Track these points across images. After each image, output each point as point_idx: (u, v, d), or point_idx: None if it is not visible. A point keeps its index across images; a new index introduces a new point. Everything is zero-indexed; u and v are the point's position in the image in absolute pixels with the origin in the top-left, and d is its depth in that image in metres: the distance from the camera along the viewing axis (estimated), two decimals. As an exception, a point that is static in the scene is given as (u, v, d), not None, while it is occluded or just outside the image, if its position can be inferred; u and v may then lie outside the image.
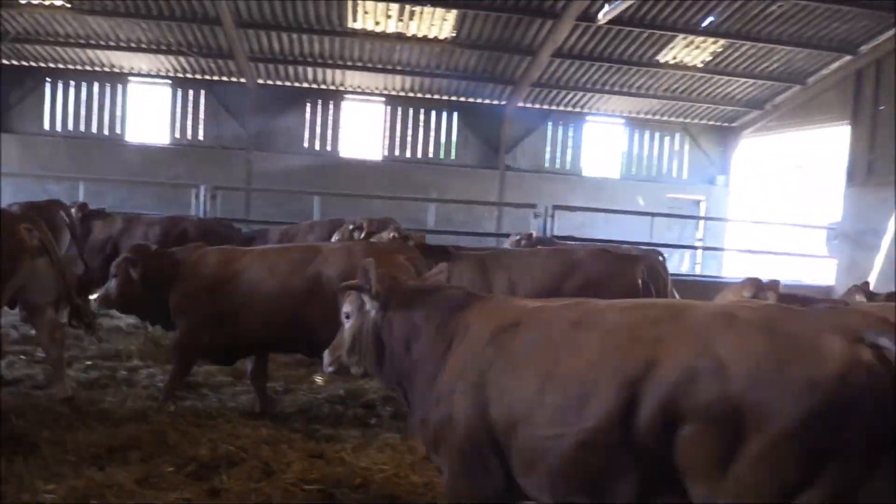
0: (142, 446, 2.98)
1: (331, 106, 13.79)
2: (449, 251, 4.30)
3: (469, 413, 1.84)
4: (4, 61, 12.75)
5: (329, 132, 13.84)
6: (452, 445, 1.90)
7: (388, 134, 13.97)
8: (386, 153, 14.07)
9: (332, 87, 13.74)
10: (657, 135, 14.68)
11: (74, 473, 2.71)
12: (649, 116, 14.44)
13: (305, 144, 13.85)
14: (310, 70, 13.04)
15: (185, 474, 2.78)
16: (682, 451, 1.51)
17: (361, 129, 14.01)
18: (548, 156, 14.46)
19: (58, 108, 13.41)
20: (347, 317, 2.37)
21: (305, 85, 13.59)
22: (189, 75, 13.31)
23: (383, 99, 13.91)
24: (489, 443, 1.81)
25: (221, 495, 2.64)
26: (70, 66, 13.23)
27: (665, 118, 14.44)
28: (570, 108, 14.26)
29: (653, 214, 10.94)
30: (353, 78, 13.37)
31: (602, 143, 14.68)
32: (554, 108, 14.13)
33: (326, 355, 2.44)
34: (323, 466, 2.94)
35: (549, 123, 14.32)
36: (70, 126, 13.45)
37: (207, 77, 13.34)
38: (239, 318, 3.58)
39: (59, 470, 2.74)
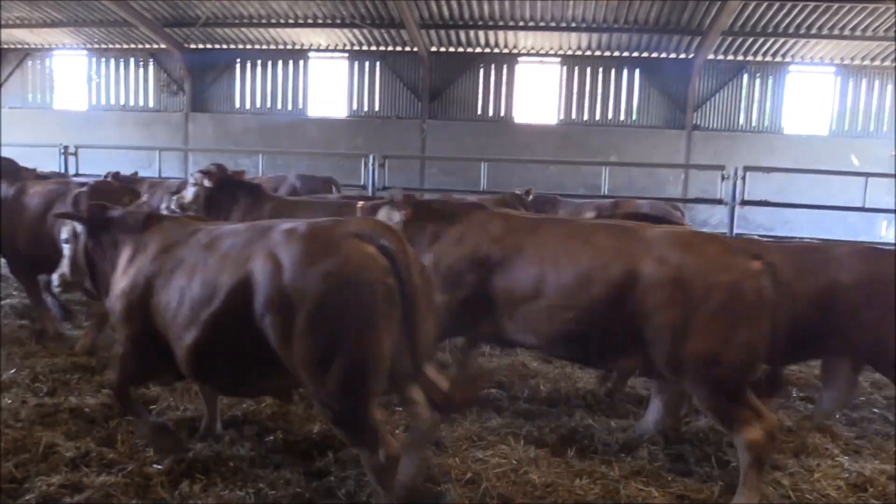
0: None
1: (504, 70, 16.20)
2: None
3: (137, 310, 3.00)
4: (199, 45, 16.82)
5: (503, 97, 16.27)
6: (125, 333, 3.10)
7: (563, 96, 16.08)
8: (562, 116, 16.19)
9: (505, 51, 16.10)
10: (876, 83, 15.15)
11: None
12: (866, 63, 14.94)
13: (479, 111, 16.38)
14: (481, 34, 15.42)
15: (296, 453, 3.30)
16: (270, 334, 2.58)
17: (536, 92, 16.25)
18: (742, 113, 15.64)
19: (247, 87, 17.29)
20: (66, 242, 3.45)
21: (478, 50, 16.10)
22: (364, 48, 16.43)
23: (558, 60, 16.02)
24: (149, 332, 2.99)
25: (332, 479, 3.03)
26: (256, 46, 16.98)
27: (886, 63, 14.81)
28: (768, 58, 15.25)
29: (868, 175, 10.60)
30: (527, 39, 15.57)
31: (807, 96, 15.53)
32: (749, 58, 15.22)
33: (54, 277, 3.52)
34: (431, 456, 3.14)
35: (745, 76, 15.47)
36: (258, 104, 17.29)
37: (381, 48, 16.37)
38: None
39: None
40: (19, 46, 17.85)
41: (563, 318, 3.17)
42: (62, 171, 12.61)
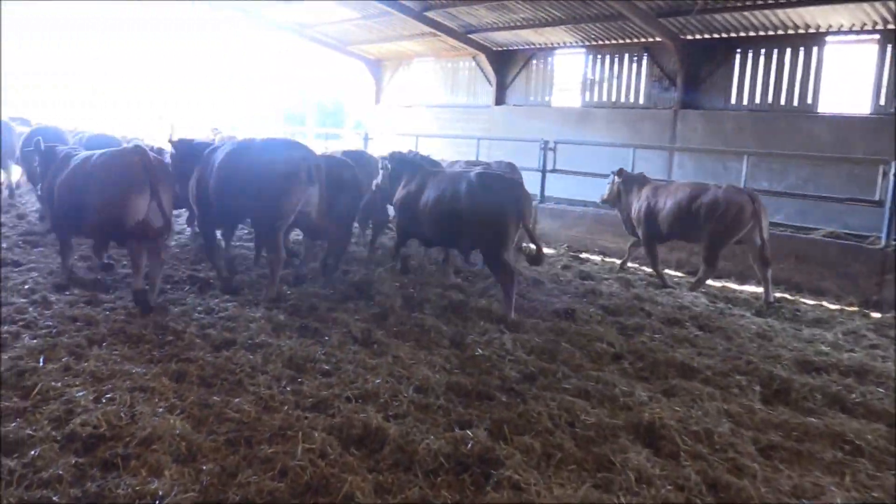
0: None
1: None
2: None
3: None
4: (696, 36, 17.70)
5: None
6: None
7: None
8: None
9: None
10: None
11: None
12: None
13: None
14: None
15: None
16: None
17: None
18: None
19: (745, 80, 17.54)
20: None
21: None
22: (903, 25, 14.92)
23: None
24: None
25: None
26: (760, 33, 17.05)
27: None
28: None
29: None
30: None
31: None
32: None
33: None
34: None
35: None
36: (757, 99, 17.38)
37: (929, 24, 14.61)
38: None
39: None
40: (525, 47, 21.69)
41: None
42: (541, 166, 15.16)
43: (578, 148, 18.32)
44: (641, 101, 19.33)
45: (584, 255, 13.02)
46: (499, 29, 20.78)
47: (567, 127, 20.15)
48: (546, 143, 15.18)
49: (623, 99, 19.71)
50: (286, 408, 4.81)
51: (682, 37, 17.83)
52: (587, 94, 20.56)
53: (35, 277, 7.77)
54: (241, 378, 5.26)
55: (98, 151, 7.21)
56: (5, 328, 6.02)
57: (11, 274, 7.89)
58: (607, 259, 12.79)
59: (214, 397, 4.86)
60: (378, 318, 7.10)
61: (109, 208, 6.67)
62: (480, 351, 6.24)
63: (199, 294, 7.67)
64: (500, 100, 22.65)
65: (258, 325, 6.52)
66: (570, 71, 21.41)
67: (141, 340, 6.00)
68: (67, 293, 7.32)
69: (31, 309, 6.59)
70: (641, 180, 10.71)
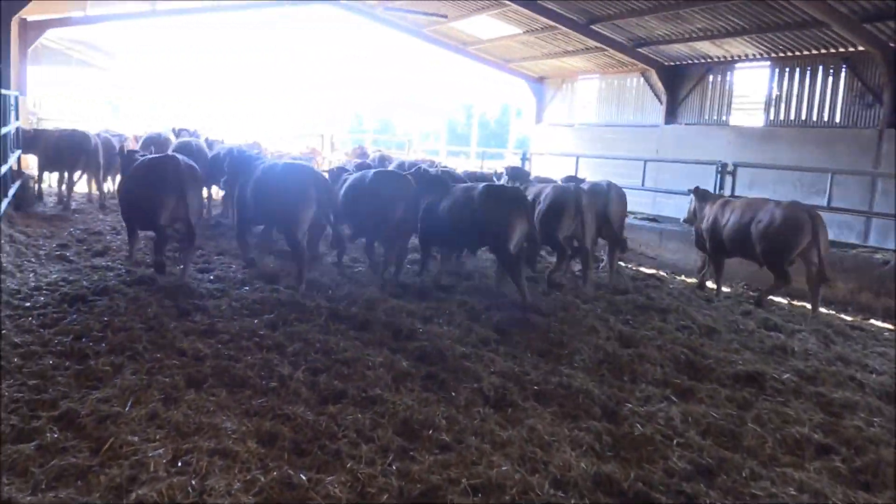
0: None
1: None
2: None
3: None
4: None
5: None
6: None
7: None
8: None
9: None
10: None
11: None
12: None
13: None
14: None
15: None
16: None
17: None
18: None
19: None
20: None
21: None
22: None
23: None
24: None
25: None
26: None
27: None
28: None
29: None
30: None
31: None
32: None
33: None
34: None
35: None
36: None
37: None
38: None
39: None
40: (700, 61, 19.77)
41: None
42: (717, 189, 13.38)
43: (761, 172, 16.33)
44: (837, 119, 16.86)
45: (775, 299, 11.17)
46: (671, 41, 19.05)
47: (748, 148, 18.02)
48: (723, 165, 13.41)
49: (815, 117, 17.31)
50: (385, 497, 3.80)
51: (891, 45, 15.31)
52: (771, 111, 18.31)
53: (160, 299, 7.37)
54: (342, 447, 4.32)
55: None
56: (111, 359, 5.51)
57: (140, 294, 7.56)
58: (796, 303, 10.88)
59: (302, 475, 3.93)
60: (517, 373, 5.96)
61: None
62: (640, 428, 4.92)
63: (322, 328, 6.91)
64: (670, 118, 20.82)
65: (376, 373, 5.60)
66: (752, 86, 19.25)
67: (244, 384, 5.25)
68: (187, 320, 6.82)
69: (144, 337, 6.09)
70: (713, 197, 11.02)
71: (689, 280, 12.12)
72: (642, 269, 13.09)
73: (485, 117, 63.52)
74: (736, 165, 13.37)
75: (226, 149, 11.77)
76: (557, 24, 19.46)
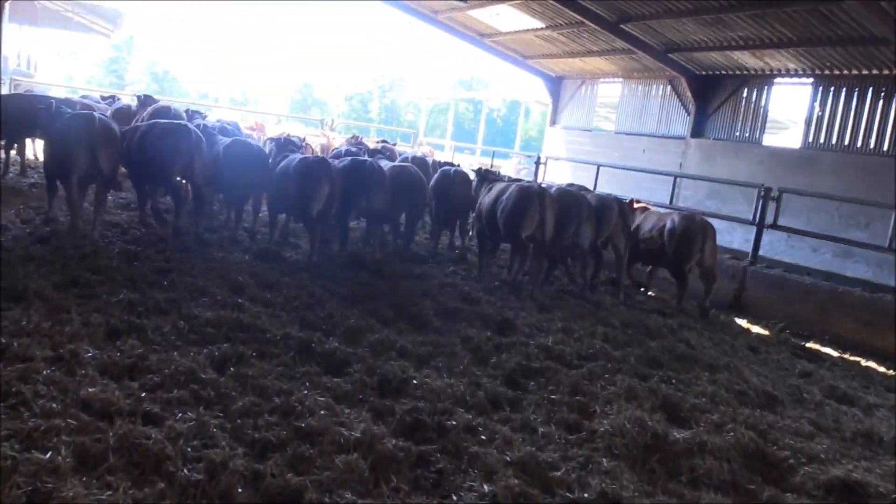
0: None
1: None
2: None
3: None
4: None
5: None
6: None
7: None
8: None
9: None
10: None
11: None
12: None
13: None
14: None
15: None
16: None
17: None
18: None
19: None
20: None
21: None
22: None
23: None
24: None
25: None
26: None
27: None
28: None
29: None
30: None
31: None
32: None
33: None
34: None
35: None
36: None
37: None
38: None
39: None
40: (736, 73, 18.17)
41: None
42: (756, 218, 11.87)
43: (794, 198, 14.76)
44: (886, 147, 15.28)
45: (811, 346, 9.63)
46: (707, 49, 17.41)
47: (782, 171, 16.43)
48: (766, 189, 11.82)
49: (860, 143, 15.73)
50: None
51: (957, 70, 13.76)
52: (811, 133, 16.70)
53: (87, 312, 5.75)
54: None
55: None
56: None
57: (66, 301, 5.94)
58: (847, 356, 9.34)
59: None
60: (540, 465, 4.36)
61: None
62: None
63: (286, 370, 5.31)
64: (697, 132, 19.21)
65: (348, 460, 3.98)
66: (789, 104, 17.72)
67: (152, 470, 3.66)
68: (112, 346, 5.21)
69: (42, 372, 4.48)
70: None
71: (721, 316, 10.57)
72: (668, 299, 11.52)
73: (492, 115, 61.83)
74: (781, 191, 11.76)
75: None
76: (585, 20, 17.79)
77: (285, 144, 10.90)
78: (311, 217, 9.20)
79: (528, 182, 10.52)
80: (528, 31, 20.86)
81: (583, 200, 9.89)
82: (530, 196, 9.31)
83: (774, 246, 15.98)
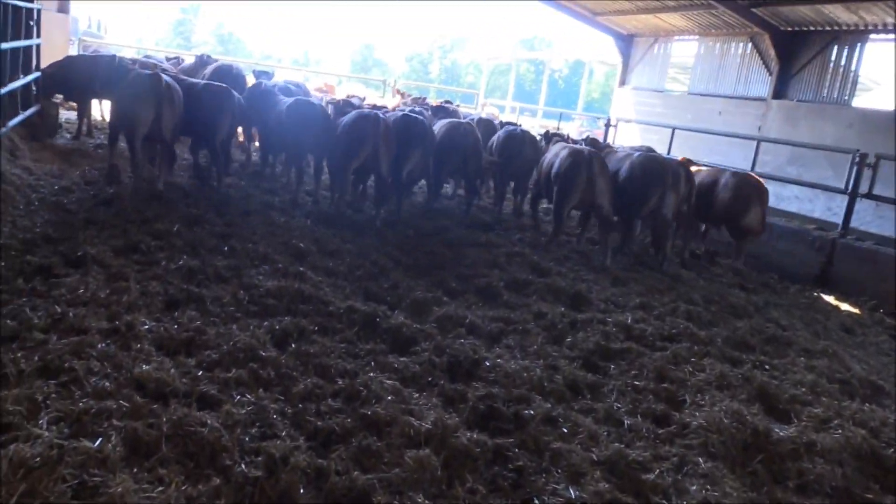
0: None
1: None
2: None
3: None
4: None
5: None
6: None
7: None
8: None
9: None
10: None
11: None
12: None
13: None
14: None
15: None
16: None
17: None
18: None
19: None
20: None
21: None
22: None
23: None
24: None
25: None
26: None
27: None
28: None
29: None
30: None
31: None
32: None
33: None
34: None
35: None
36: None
37: None
38: None
39: None
40: (826, 28, 16.88)
41: None
42: (848, 186, 10.95)
43: (889, 166, 13.68)
44: None
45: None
46: (795, 2, 16.17)
47: (873, 136, 15.25)
48: (863, 156, 10.87)
49: (963, 105, 14.44)
50: None
51: None
52: (906, 95, 15.41)
53: (146, 280, 5.51)
54: None
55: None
56: (34, 382, 3.68)
57: (126, 269, 5.72)
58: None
59: None
60: (630, 465, 3.92)
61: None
62: None
63: (349, 347, 4.97)
64: (780, 93, 18.01)
65: (418, 457, 3.61)
66: (883, 63, 16.39)
67: (207, 463, 3.36)
68: (170, 317, 4.94)
69: (97, 346, 4.24)
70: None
71: (807, 292, 9.83)
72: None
73: (553, 75, 60.20)
74: (879, 157, 10.80)
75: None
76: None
77: (344, 107, 10.55)
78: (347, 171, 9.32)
79: (579, 146, 9.95)
80: (601, -16, 19.87)
81: (667, 166, 9.25)
82: (579, 162, 8.94)
83: (861, 215, 14.88)
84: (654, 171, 9.13)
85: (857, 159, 10.89)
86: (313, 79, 26.64)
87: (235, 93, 9.95)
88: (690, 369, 5.49)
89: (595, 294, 7.37)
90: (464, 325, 5.70)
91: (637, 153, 9.81)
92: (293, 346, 4.80)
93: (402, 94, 17.51)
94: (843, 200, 15.67)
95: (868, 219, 14.45)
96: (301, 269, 6.41)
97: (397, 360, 4.84)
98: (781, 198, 16.92)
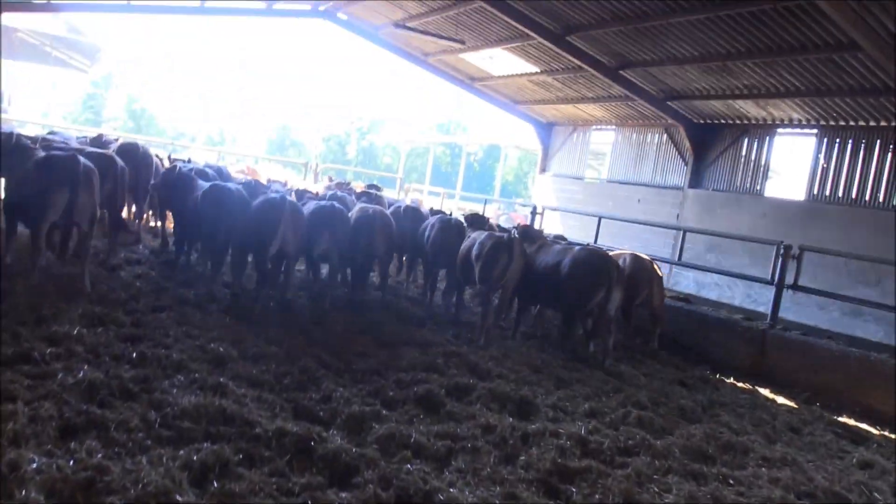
0: None
1: None
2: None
3: None
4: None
5: None
6: None
7: None
8: None
9: None
10: None
11: None
12: None
13: None
14: None
15: None
16: None
17: None
18: None
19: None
20: None
21: None
22: None
23: None
24: None
25: None
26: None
27: None
28: None
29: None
30: None
31: None
32: None
33: None
34: None
35: None
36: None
37: None
38: None
39: None
40: (737, 122, 17.67)
41: None
42: (774, 277, 11.06)
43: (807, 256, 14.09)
44: (895, 201, 14.72)
45: (848, 422, 8.78)
46: (708, 97, 16.89)
47: (785, 225, 15.82)
48: (787, 247, 11.06)
49: (867, 197, 15.17)
50: None
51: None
52: (816, 185, 16.13)
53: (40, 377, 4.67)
54: None
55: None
56: None
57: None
58: (888, 434, 8.49)
59: None
60: None
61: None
62: None
63: (275, 473, 4.29)
64: (695, 182, 18.61)
65: None
66: (791, 155, 17.18)
67: None
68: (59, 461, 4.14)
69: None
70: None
71: (743, 386, 9.70)
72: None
73: (469, 159, 61.31)
74: (803, 249, 11.01)
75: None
76: (584, 66, 17.23)
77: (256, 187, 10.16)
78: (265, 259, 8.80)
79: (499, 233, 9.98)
80: (521, 75, 20.30)
81: (612, 261, 9.10)
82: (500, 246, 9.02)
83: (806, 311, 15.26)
84: (599, 266, 8.93)
85: (783, 251, 11.06)
86: (229, 158, 25.99)
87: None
88: (657, 489, 5.06)
89: (541, 399, 6.92)
90: (409, 447, 5.11)
91: (578, 247, 9.64)
92: (215, 483, 4.08)
93: (330, 179, 17.08)
94: (762, 288, 16.15)
95: (786, 304, 14.78)
96: (221, 379, 5.69)
97: (337, 497, 4.19)
98: (703, 284, 17.23)
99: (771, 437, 7.20)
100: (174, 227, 11.13)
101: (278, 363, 6.60)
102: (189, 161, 12.71)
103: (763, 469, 5.94)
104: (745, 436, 6.94)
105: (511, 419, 6.11)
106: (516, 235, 9.82)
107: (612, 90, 18.58)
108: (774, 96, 15.40)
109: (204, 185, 9.88)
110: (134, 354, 5.95)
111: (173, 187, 10.30)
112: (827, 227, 15.17)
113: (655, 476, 5.33)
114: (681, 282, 17.59)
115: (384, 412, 5.77)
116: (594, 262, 9.06)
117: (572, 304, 9.14)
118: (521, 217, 22.38)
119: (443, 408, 6.22)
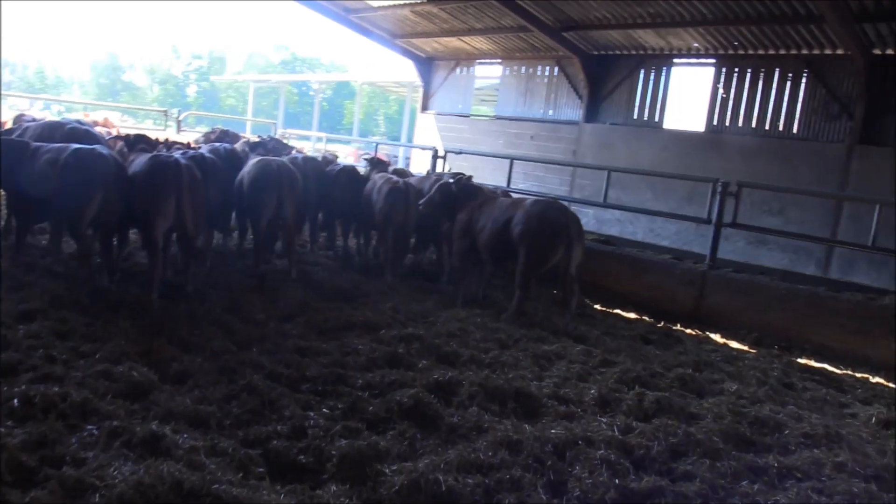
0: None
1: None
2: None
3: None
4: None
5: None
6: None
7: None
8: None
9: None
10: None
11: None
12: None
13: None
14: None
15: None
16: None
17: None
18: None
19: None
20: None
21: None
22: None
23: None
24: None
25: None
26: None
27: None
28: None
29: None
30: None
31: None
32: None
33: None
34: None
35: None
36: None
37: None
38: None
39: None
40: (633, 53, 17.04)
41: None
42: (713, 216, 10.49)
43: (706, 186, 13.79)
44: (795, 130, 14.70)
45: (810, 363, 8.40)
46: (606, 27, 16.06)
47: (687, 156, 15.54)
48: (724, 184, 10.47)
49: (767, 126, 15.07)
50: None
51: (873, 51, 13.21)
52: (715, 116, 15.87)
53: None
54: None
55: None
56: None
57: None
58: (840, 371, 8.17)
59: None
60: None
61: None
62: None
63: None
64: (591, 116, 17.92)
65: None
66: (691, 86, 16.82)
67: None
68: None
69: None
70: None
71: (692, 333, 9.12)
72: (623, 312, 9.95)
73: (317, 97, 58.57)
74: (741, 185, 10.45)
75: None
76: (478, -8, 15.84)
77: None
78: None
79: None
80: (404, 5, 18.52)
81: (571, 216, 8.01)
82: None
83: (682, 236, 15.06)
84: (557, 220, 7.82)
85: (720, 188, 10.47)
86: (56, 108, 22.43)
87: None
88: (744, 509, 4.07)
89: (536, 388, 5.78)
90: (437, 496, 3.78)
91: (530, 200, 8.45)
92: None
93: (214, 131, 14.78)
94: (664, 222, 15.85)
95: (691, 237, 14.56)
96: (153, 426, 4.04)
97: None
98: (603, 221, 16.74)
99: (778, 401, 6.50)
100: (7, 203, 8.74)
101: (213, 382, 5.00)
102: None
103: (815, 451, 5.14)
104: (759, 404, 6.18)
105: (528, 427, 4.91)
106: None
107: (504, 20, 17.34)
108: (678, 24, 14.79)
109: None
110: (14, 402, 4.13)
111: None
112: (728, 157, 14.98)
113: (723, 483, 4.36)
114: (600, 226, 16.98)
115: (381, 443, 4.38)
116: (551, 217, 7.95)
117: (529, 264, 8.02)
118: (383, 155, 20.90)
119: (440, 420, 4.92)
